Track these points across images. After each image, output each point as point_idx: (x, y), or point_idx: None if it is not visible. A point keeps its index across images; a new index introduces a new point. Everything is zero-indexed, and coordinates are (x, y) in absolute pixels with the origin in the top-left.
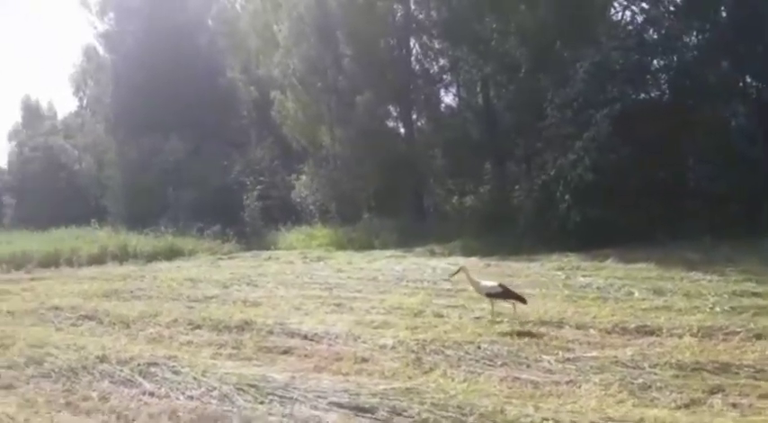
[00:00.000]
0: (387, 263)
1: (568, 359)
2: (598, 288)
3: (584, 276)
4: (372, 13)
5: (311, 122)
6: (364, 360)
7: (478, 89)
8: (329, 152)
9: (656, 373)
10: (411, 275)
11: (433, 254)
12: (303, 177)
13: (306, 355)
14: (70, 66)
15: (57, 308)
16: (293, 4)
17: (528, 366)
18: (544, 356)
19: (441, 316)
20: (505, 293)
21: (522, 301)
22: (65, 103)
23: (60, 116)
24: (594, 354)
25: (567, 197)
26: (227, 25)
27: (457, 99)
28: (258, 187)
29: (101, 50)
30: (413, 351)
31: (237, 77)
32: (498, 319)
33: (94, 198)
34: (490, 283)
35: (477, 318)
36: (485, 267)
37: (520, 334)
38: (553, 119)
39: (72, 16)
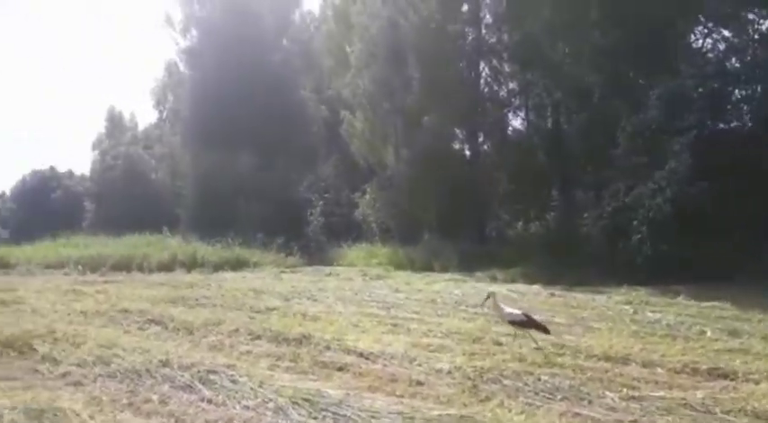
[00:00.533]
0: (446, 286)
1: (633, 398)
2: (668, 325)
3: (653, 312)
4: (443, 37)
5: (378, 142)
6: (419, 383)
7: (548, 114)
8: (394, 172)
9: (728, 420)
10: (470, 300)
11: (493, 280)
12: (367, 196)
13: (361, 374)
14: (152, 80)
15: (126, 311)
16: (365, 26)
17: (590, 402)
18: (608, 393)
19: (500, 344)
20: (529, 323)
21: (546, 331)
22: (146, 116)
23: (141, 127)
24: (661, 394)
25: (642, 229)
26: (301, 45)
27: (525, 123)
28: (322, 203)
29: (181, 66)
30: (469, 378)
31: (309, 96)
32: (560, 352)
33: (168, 207)
34: (515, 311)
35: (538, 348)
36: (548, 297)
37: (582, 368)
38: (625, 146)
39: (158, 33)
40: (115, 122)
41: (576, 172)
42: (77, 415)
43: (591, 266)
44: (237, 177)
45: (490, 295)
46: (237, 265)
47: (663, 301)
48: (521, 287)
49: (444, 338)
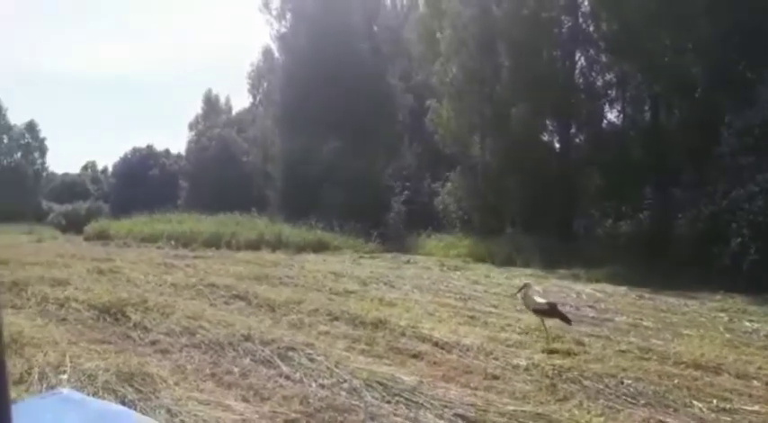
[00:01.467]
0: (527, 281)
1: (723, 410)
2: (766, 336)
3: (750, 321)
4: (536, 25)
5: (464, 131)
6: (495, 377)
7: (647, 107)
8: (478, 162)
9: None
10: (553, 298)
11: (577, 278)
12: (449, 185)
13: (435, 363)
14: (249, 65)
15: (213, 285)
16: (457, 13)
17: (675, 410)
18: (695, 402)
19: (581, 344)
20: (551, 311)
21: (567, 321)
22: (240, 99)
23: (235, 111)
24: (756, 408)
25: (743, 233)
26: (391, 32)
27: (621, 116)
28: (405, 192)
29: (275, 52)
30: (548, 376)
31: (396, 83)
32: (646, 356)
33: (258, 188)
34: (541, 299)
35: (623, 351)
36: (636, 299)
37: (669, 375)
38: (730, 144)
39: (256, 18)
40: (211, 105)
41: (675, 170)
42: (164, 381)
43: (684, 270)
44: (323, 162)
45: (525, 285)
46: (319, 247)
47: (762, 310)
48: (607, 287)
49: (523, 334)
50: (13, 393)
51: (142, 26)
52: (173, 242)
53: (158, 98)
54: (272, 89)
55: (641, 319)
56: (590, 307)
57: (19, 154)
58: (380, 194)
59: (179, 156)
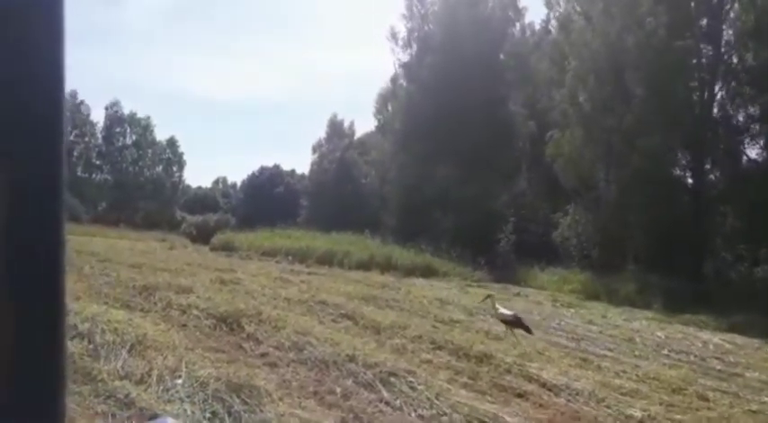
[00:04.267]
0: (647, 325)
1: None
2: None
3: None
4: (672, 53)
5: (587, 161)
6: None
7: None
8: (601, 194)
9: None
10: (675, 345)
11: (705, 325)
12: (568, 217)
13: (541, 405)
14: (377, 90)
15: (323, 303)
16: (587, 41)
17: None
18: None
19: (705, 399)
20: (516, 322)
21: (529, 331)
22: (365, 123)
23: (359, 134)
24: None
25: None
26: (517, 59)
27: (765, 154)
28: (516, 220)
29: (401, 79)
30: None
31: (518, 110)
32: None
33: (373, 210)
34: (507, 311)
35: (753, 411)
36: None
37: None
38: None
39: (385, 47)
40: (335, 128)
41: None
42: (269, 395)
43: None
44: (438, 188)
45: (490, 296)
46: (427, 272)
47: None
48: (738, 338)
49: (639, 383)
50: (133, 392)
51: (274, 51)
52: (290, 257)
53: (287, 120)
54: (395, 115)
55: None
56: (717, 358)
57: (160, 167)
58: (493, 222)
59: (303, 175)
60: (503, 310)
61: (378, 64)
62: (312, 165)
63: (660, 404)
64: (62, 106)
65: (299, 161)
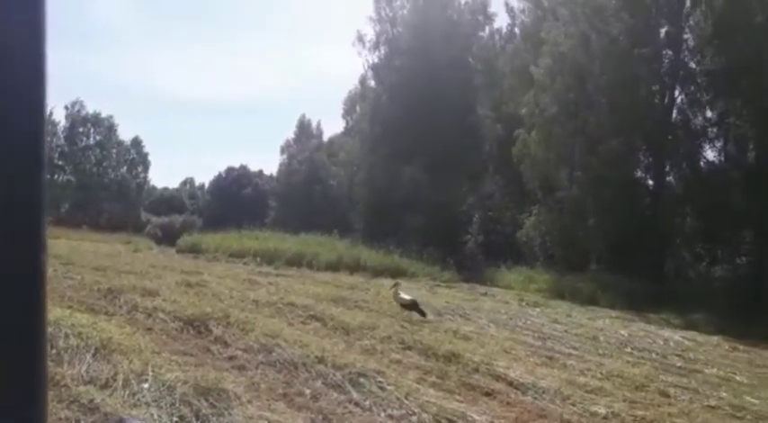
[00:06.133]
0: (611, 324)
1: None
2: None
3: None
4: (634, 58)
5: (552, 163)
6: None
7: (750, 147)
8: (565, 195)
9: None
10: (637, 343)
11: (666, 323)
12: (533, 217)
13: (508, 403)
14: (345, 91)
15: (292, 304)
16: (554, 44)
17: None
18: None
19: (666, 395)
20: (413, 306)
21: (423, 314)
22: (333, 125)
23: (327, 136)
24: None
25: None
26: (485, 63)
27: (722, 156)
28: (481, 221)
29: (370, 81)
30: None
31: (486, 113)
32: (739, 414)
33: (342, 211)
34: (407, 296)
35: (712, 407)
36: (730, 351)
37: None
38: None
39: (353, 48)
40: (304, 129)
41: None
42: (238, 397)
43: None
44: (407, 189)
45: (396, 284)
46: (396, 272)
47: None
48: (697, 336)
49: (603, 380)
50: (97, 397)
51: (242, 49)
52: (258, 259)
53: (256, 120)
54: (363, 116)
55: (734, 373)
56: (678, 355)
57: (125, 168)
58: (460, 223)
59: (271, 176)
60: (403, 295)
61: (347, 64)
62: (280, 166)
63: (623, 401)
64: (43, 112)
65: (268, 162)
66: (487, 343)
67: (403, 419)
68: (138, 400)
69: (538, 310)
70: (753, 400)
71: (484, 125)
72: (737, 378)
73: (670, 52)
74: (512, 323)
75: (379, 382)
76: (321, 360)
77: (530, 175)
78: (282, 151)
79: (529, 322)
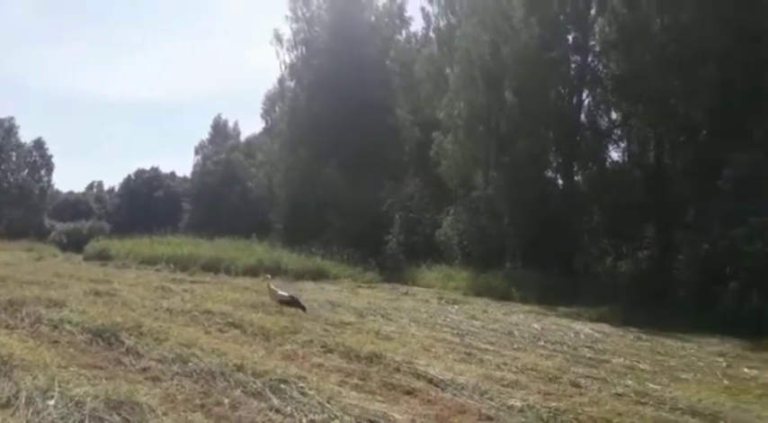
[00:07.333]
0: (525, 318)
1: None
2: (764, 384)
3: (749, 368)
4: (543, 63)
5: (468, 165)
6: (489, 418)
7: (651, 148)
8: (481, 195)
9: None
10: (550, 336)
11: (577, 316)
12: (450, 217)
13: (429, 401)
14: (264, 91)
15: (209, 312)
16: (466, 50)
17: None
18: None
19: (578, 386)
20: (292, 302)
21: (303, 309)
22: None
23: (244, 136)
24: None
25: (741, 274)
26: (402, 67)
27: (626, 156)
28: (402, 221)
29: (288, 81)
30: (542, 419)
31: (405, 116)
32: (642, 400)
33: (261, 214)
34: (284, 293)
35: (619, 394)
36: (634, 341)
37: (666, 421)
38: (729, 188)
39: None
40: (219, 130)
41: (676, 211)
42: (152, 410)
43: (683, 311)
44: (327, 191)
45: (266, 279)
46: (318, 275)
47: (761, 357)
48: (605, 327)
49: (519, 374)
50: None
51: (151, 47)
52: (171, 265)
53: (167, 120)
54: (282, 116)
55: (638, 362)
56: (588, 347)
57: (26, 171)
58: (381, 224)
59: (185, 178)
60: (280, 292)
61: (267, 63)
62: (195, 167)
63: (538, 393)
64: None
65: (181, 164)
66: (408, 342)
67: None
68: (44, 418)
69: (456, 307)
70: (654, 386)
71: (403, 127)
72: (641, 366)
73: (577, 57)
74: (432, 321)
75: (301, 387)
76: (240, 368)
77: (447, 176)
78: (197, 152)
79: (448, 319)
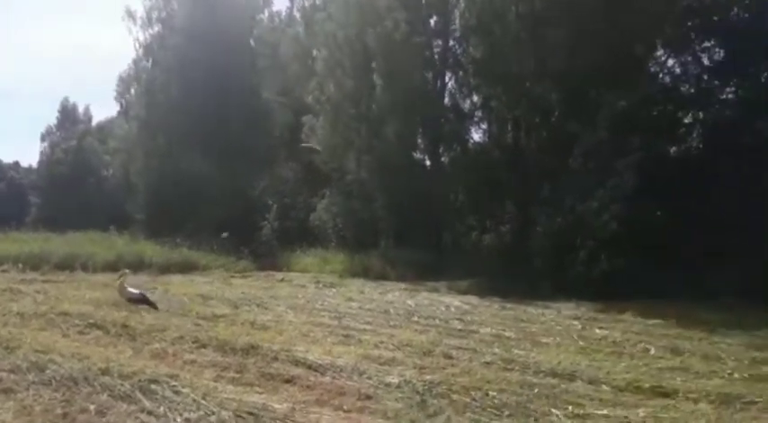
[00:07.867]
0: (399, 296)
1: (578, 415)
2: (614, 342)
3: (600, 329)
4: (408, 47)
5: (339, 148)
6: (368, 397)
7: (509, 129)
8: (354, 179)
9: None
10: (423, 311)
11: (447, 290)
12: (324, 201)
13: (308, 387)
14: (118, 73)
15: (66, 313)
16: (331, 34)
17: (536, 420)
18: (553, 410)
19: (450, 357)
20: (142, 299)
21: (155, 307)
22: (104, 110)
23: (96, 121)
24: (605, 412)
25: (589, 243)
26: (268, 48)
27: (486, 137)
28: (276, 207)
29: (144, 61)
30: (418, 392)
31: (273, 99)
32: (509, 367)
33: (120, 204)
34: (134, 290)
35: (488, 363)
36: (500, 310)
37: (530, 384)
38: (578, 165)
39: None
40: (68, 114)
41: (534, 187)
42: None
43: (541, 280)
44: (192, 177)
45: (123, 274)
46: (186, 267)
47: (610, 317)
48: (473, 299)
49: (395, 351)
50: None
51: None
52: (20, 264)
53: (6, 106)
54: (138, 99)
55: (504, 330)
56: (458, 319)
57: None
58: (253, 210)
59: (30, 168)
60: (130, 290)
61: (118, 43)
62: (41, 155)
63: (414, 368)
64: None
65: (24, 153)
66: (286, 330)
67: (201, 421)
68: None
69: (334, 290)
70: (519, 352)
71: (272, 110)
72: (507, 334)
73: (440, 41)
74: (309, 306)
75: (173, 386)
76: (105, 371)
77: (320, 160)
78: (43, 139)
79: (326, 303)
